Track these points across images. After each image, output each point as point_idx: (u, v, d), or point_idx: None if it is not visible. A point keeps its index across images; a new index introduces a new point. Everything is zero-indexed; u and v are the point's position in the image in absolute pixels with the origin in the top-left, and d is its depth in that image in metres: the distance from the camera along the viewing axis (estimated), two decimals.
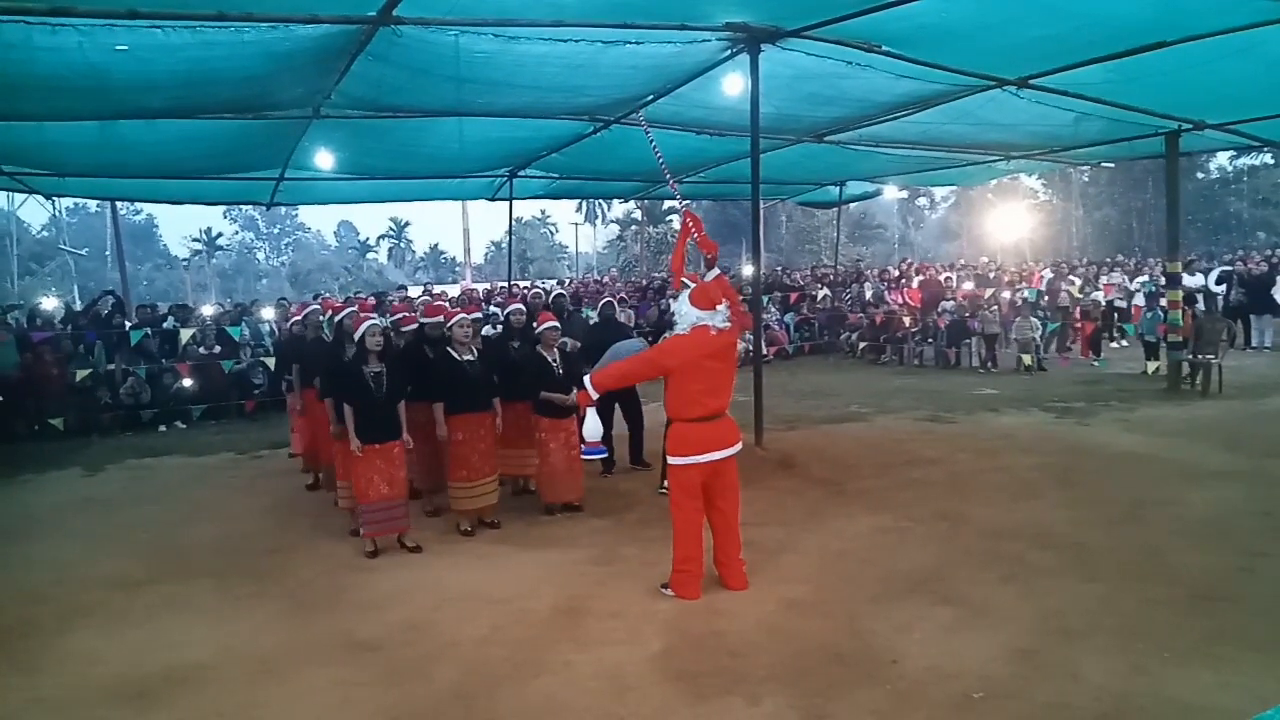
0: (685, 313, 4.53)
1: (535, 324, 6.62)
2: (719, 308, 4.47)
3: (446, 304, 11.01)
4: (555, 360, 6.38)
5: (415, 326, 6.74)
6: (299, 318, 7.79)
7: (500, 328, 7.48)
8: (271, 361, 10.90)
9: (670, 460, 4.64)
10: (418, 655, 4.11)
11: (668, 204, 48.59)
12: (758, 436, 8.11)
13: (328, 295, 17.57)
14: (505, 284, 16.84)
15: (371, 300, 12.58)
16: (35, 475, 8.64)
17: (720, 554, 4.73)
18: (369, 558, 5.56)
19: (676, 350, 4.56)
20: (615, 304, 8.01)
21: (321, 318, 7.26)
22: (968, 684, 3.59)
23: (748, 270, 21.11)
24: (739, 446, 4.66)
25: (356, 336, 5.65)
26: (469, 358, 5.99)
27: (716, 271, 4.81)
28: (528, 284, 21.67)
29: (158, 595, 5.08)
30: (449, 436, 5.95)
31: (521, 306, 7.00)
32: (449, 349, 5.99)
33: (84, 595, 5.10)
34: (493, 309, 11.72)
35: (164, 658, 4.19)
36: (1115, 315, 16.07)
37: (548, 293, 11.03)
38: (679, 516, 4.60)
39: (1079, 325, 14.18)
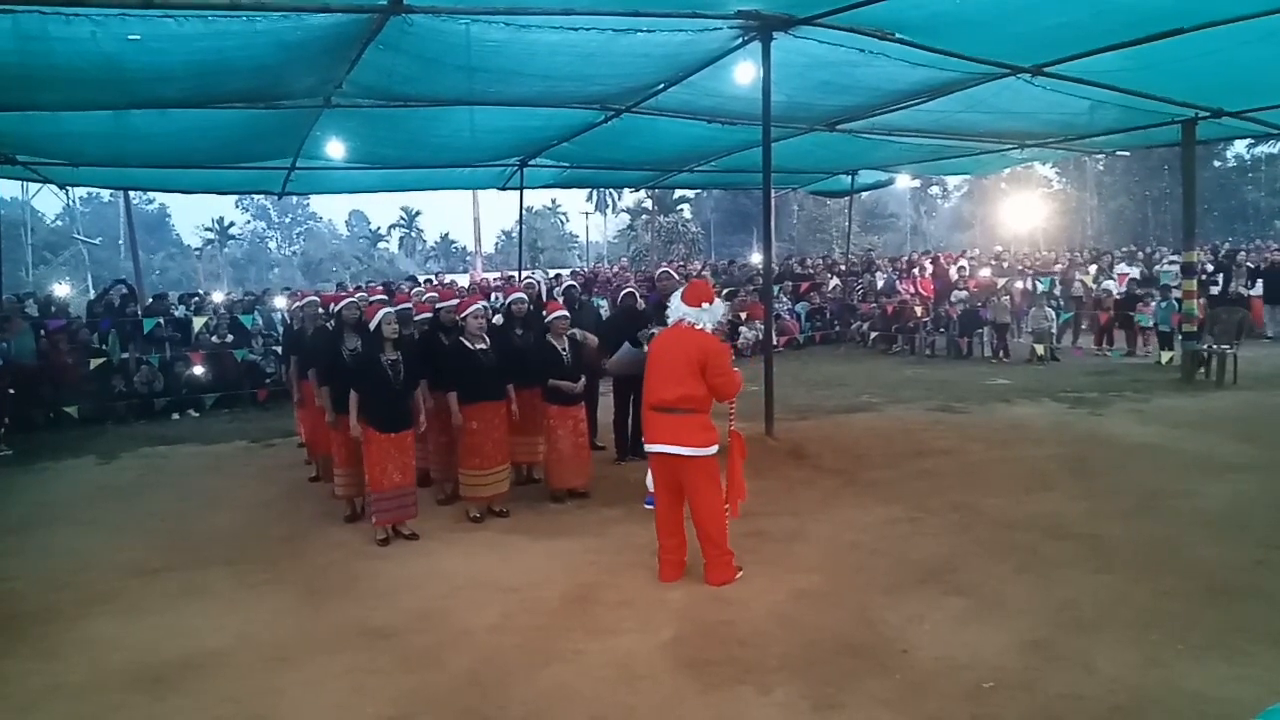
0: (674, 307, 4.79)
1: (545, 313, 6.63)
2: (705, 305, 4.68)
3: (455, 290, 10.99)
4: (564, 349, 6.41)
5: (429, 315, 6.74)
6: (300, 305, 7.78)
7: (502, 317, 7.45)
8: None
9: None
10: (430, 643, 4.14)
11: (678, 193, 48.59)
12: (769, 426, 8.10)
13: (353, 285, 17.55)
14: (515, 274, 16.88)
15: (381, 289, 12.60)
16: (52, 463, 8.72)
17: (701, 548, 4.76)
18: (381, 545, 5.59)
19: (653, 342, 4.92)
20: (636, 295, 7.97)
21: (320, 309, 7.26)
22: (979, 674, 3.59)
23: (758, 259, 21.05)
24: (692, 450, 4.54)
25: (373, 326, 5.65)
26: (482, 347, 6.00)
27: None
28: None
29: (174, 582, 5.12)
30: (463, 425, 5.97)
31: (523, 296, 7.00)
32: (461, 339, 6.01)
33: (102, 582, 5.15)
34: (494, 297, 11.71)
35: (181, 644, 4.23)
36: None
37: (540, 283, 10.87)
38: (655, 504, 4.87)
39: (1101, 313, 14.05)
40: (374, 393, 5.57)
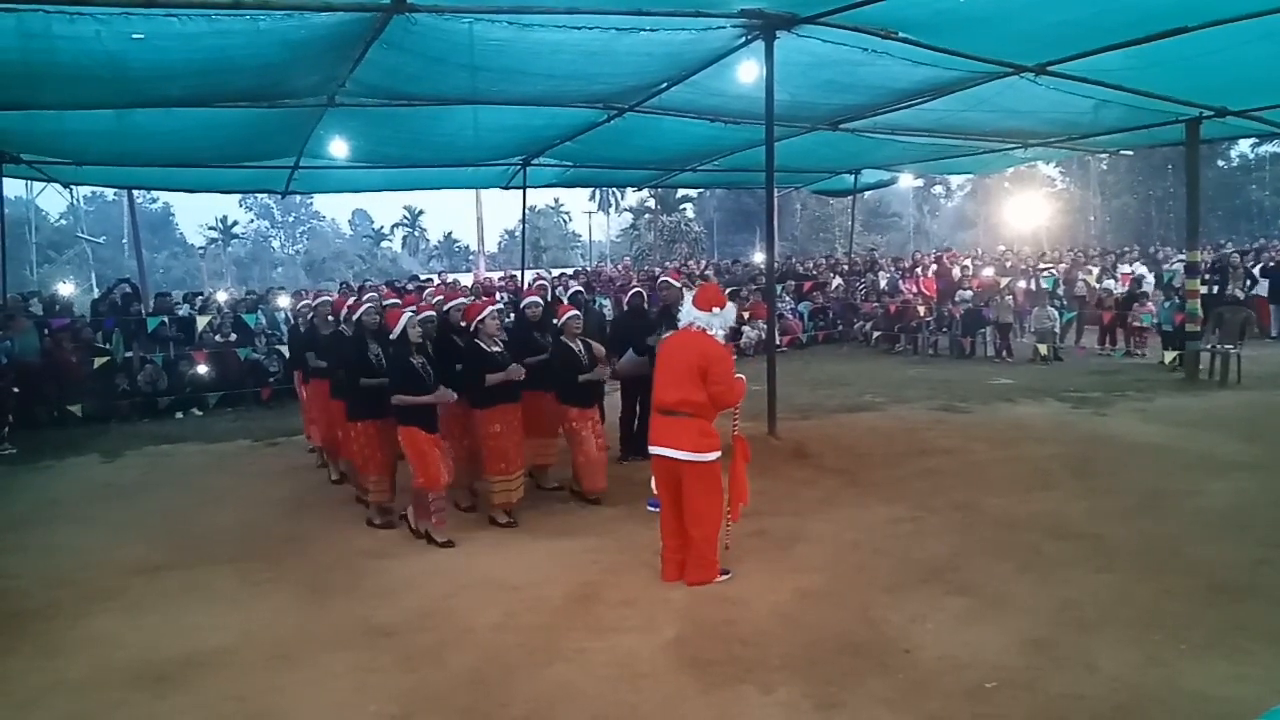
0: (685, 311, 4.76)
1: (557, 316, 6.61)
2: (716, 310, 4.64)
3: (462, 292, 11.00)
4: (580, 349, 6.39)
5: (431, 314, 6.70)
6: (314, 304, 7.77)
7: (514, 318, 7.43)
8: (286, 349, 10.98)
9: None
10: (433, 641, 4.14)
11: (681, 193, 48.55)
12: (771, 425, 8.10)
13: (357, 285, 17.49)
14: (517, 273, 16.89)
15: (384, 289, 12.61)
16: (55, 461, 8.74)
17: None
18: (446, 547, 5.48)
19: (662, 344, 4.92)
20: (644, 295, 7.96)
21: (330, 315, 7.22)
22: (981, 674, 3.59)
23: (761, 258, 21.02)
24: (688, 455, 4.54)
25: (396, 331, 5.53)
26: (497, 349, 5.96)
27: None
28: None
29: (177, 580, 5.14)
30: (485, 430, 5.88)
31: (538, 299, 6.97)
32: (477, 341, 5.96)
33: (105, 580, 5.16)
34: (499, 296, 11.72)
35: (183, 642, 4.24)
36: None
37: (549, 285, 10.81)
38: (659, 505, 4.91)
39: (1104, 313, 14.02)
40: (413, 393, 5.47)
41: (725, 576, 4.71)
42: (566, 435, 6.49)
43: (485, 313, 5.99)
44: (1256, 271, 15.55)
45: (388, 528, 5.99)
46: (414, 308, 5.87)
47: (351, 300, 7.52)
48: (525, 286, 13.12)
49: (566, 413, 6.40)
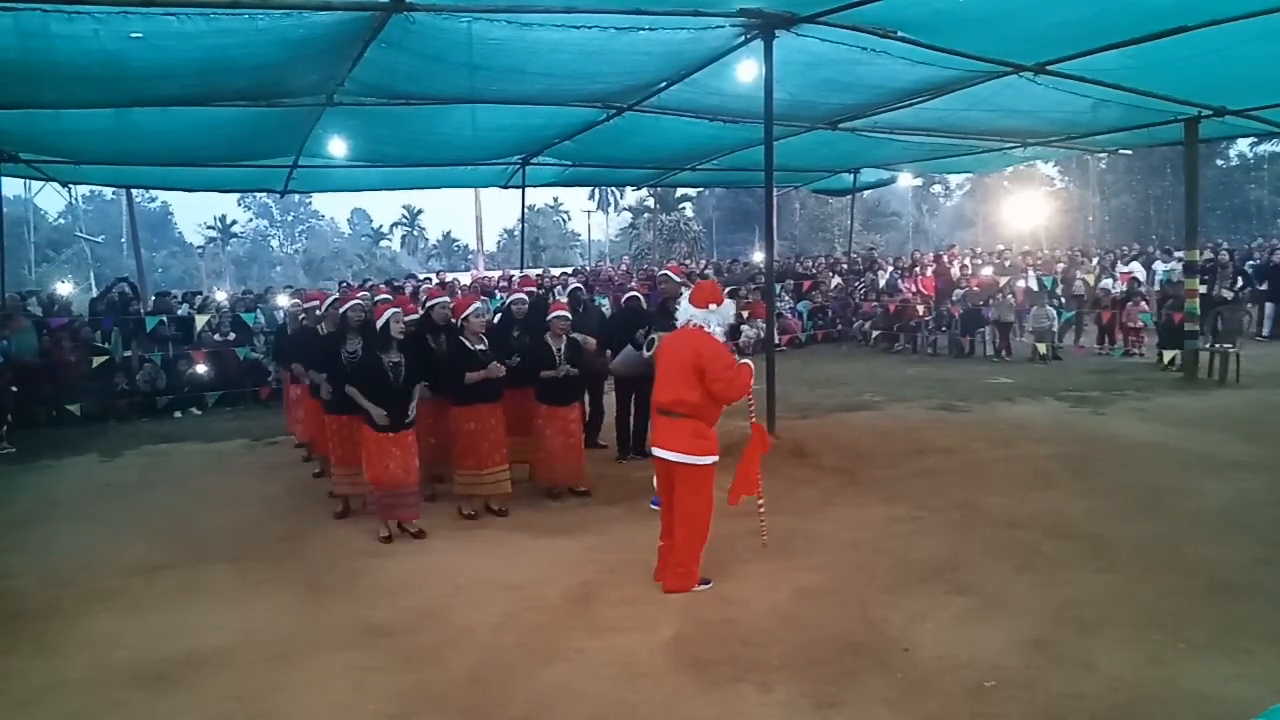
0: (682, 309, 4.71)
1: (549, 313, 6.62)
2: (712, 306, 4.58)
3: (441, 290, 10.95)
4: (559, 349, 6.39)
5: (419, 315, 6.70)
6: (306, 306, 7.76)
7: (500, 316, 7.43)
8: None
9: None
10: (432, 641, 4.14)
11: (680, 192, 48.54)
12: (770, 425, 8.08)
13: (356, 284, 17.46)
14: (515, 272, 16.89)
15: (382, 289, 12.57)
16: (54, 460, 8.73)
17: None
18: (384, 542, 5.60)
19: (660, 344, 4.90)
20: (641, 297, 7.98)
21: (314, 306, 7.23)
22: (980, 673, 3.59)
23: (760, 257, 21.01)
24: (678, 456, 4.48)
25: (379, 324, 5.66)
26: (481, 347, 5.98)
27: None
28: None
29: (176, 580, 5.13)
30: (459, 427, 5.96)
31: (523, 296, 6.98)
32: (461, 338, 5.99)
33: (104, 579, 5.16)
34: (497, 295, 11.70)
35: (183, 642, 4.23)
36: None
37: (545, 288, 10.76)
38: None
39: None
40: (373, 392, 5.58)
41: (705, 587, 4.61)
42: (533, 430, 6.52)
43: (470, 310, 6.02)
44: (1255, 271, 15.55)
45: (341, 517, 6.21)
46: (400, 309, 5.91)
47: (335, 296, 7.53)
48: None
49: (537, 409, 6.45)
